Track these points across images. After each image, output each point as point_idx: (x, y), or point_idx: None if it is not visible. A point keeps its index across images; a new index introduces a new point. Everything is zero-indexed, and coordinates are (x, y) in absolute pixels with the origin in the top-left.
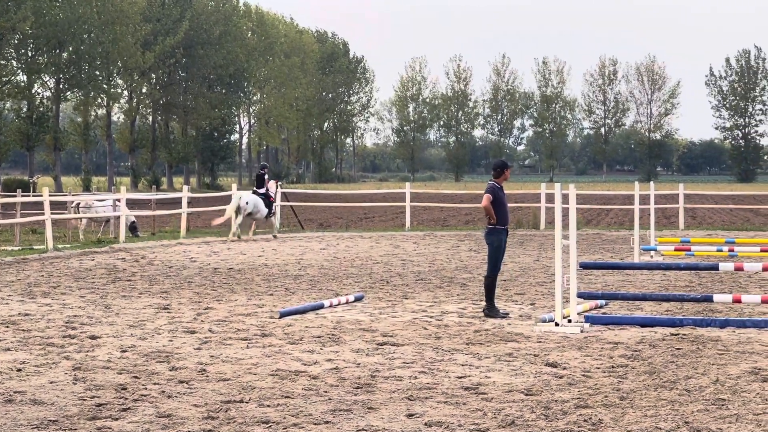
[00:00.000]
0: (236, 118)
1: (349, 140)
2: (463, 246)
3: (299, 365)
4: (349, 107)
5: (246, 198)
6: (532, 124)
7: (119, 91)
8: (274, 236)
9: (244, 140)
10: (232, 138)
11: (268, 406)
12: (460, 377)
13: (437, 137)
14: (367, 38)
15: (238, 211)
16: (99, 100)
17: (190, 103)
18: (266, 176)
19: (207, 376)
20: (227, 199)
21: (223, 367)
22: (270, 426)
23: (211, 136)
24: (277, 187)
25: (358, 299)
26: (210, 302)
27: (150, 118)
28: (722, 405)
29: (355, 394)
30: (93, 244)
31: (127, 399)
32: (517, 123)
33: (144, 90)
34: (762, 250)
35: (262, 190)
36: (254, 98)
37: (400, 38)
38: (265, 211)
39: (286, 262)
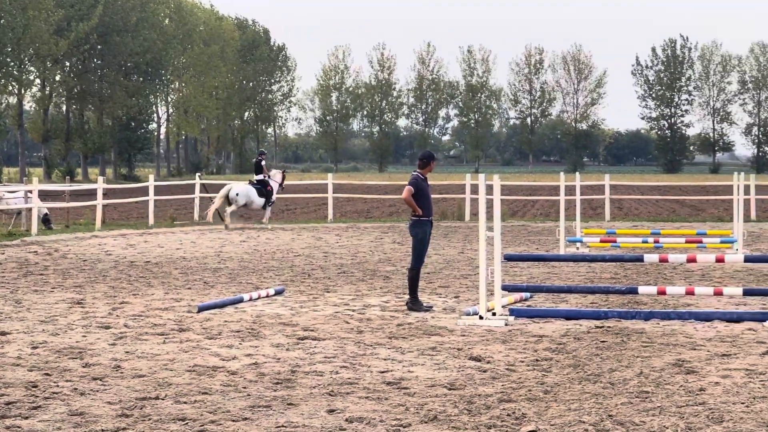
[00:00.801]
0: (154, 108)
1: (270, 130)
2: (387, 238)
3: (217, 360)
4: (270, 96)
5: (237, 189)
6: (458, 113)
7: (31, 78)
8: (267, 227)
9: (162, 130)
10: (150, 128)
11: (185, 402)
12: (383, 372)
13: (361, 127)
14: (288, 26)
15: (229, 201)
16: (10, 88)
17: (106, 91)
18: (263, 163)
19: (122, 373)
20: (145, 191)
21: (138, 363)
22: (186, 423)
23: (128, 125)
24: (283, 177)
25: (278, 293)
26: (126, 296)
27: (64, 107)
28: (646, 398)
29: (275, 390)
30: (4, 237)
31: (37, 397)
32: (442, 113)
33: (57, 78)
34: (687, 242)
35: (259, 177)
36: (172, 87)
37: (322, 26)
38: (259, 201)
39: (205, 255)
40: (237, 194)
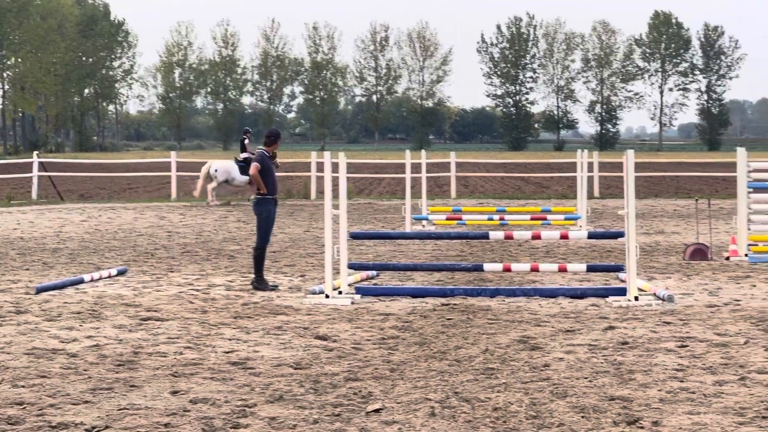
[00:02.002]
0: None
1: (111, 107)
2: (231, 217)
3: (57, 343)
4: (111, 73)
5: (215, 165)
6: (303, 91)
7: None
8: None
9: None
10: None
11: (23, 386)
12: (228, 352)
13: (204, 104)
14: (129, 1)
15: (210, 178)
16: None
17: None
18: (246, 141)
19: None
20: None
21: None
22: (24, 408)
23: None
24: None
25: (120, 273)
26: None
27: None
28: (491, 374)
29: (117, 372)
30: None
31: None
32: (287, 90)
33: None
34: (532, 219)
35: (244, 155)
36: (8, 63)
37: (164, 2)
38: (241, 178)
39: (44, 235)
40: (215, 170)
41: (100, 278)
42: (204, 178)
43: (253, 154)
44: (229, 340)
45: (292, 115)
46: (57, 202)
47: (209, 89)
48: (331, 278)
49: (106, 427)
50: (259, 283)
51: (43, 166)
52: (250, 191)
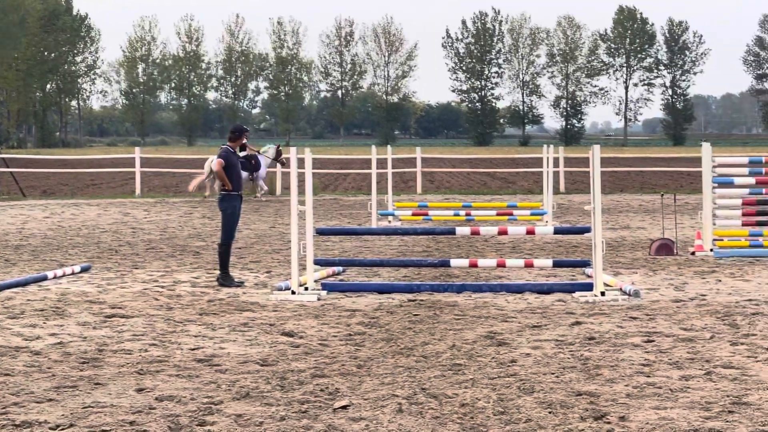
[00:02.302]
0: None
1: (74, 103)
2: (197, 213)
3: (20, 341)
4: (73, 68)
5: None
6: (268, 86)
7: None
8: (261, 199)
9: None
10: None
11: None
12: (193, 349)
13: (168, 100)
14: None
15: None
16: None
17: None
18: (245, 140)
19: None
20: None
21: None
22: None
23: None
24: (278, 153)
25: (84, 270)
26: None
27: None
28: (458, 370)
29: (81, 370)
30: None
31: None
32: (252, 85)
33: None
34: (498, 214)
35: (244, 153)
36: None
37: None
38: (244, 175)
39: (6, 231)
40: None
41: (64, 275)
42: (207, 174)
43: (254, 150)
44: (195, 336)
45: (256, 111)
46: (19, 198)
47: (173, 85)
48: (297, 274)
49: (71, 426)
50: (225, 280)
51: (4, 162)
52: (253, 189)
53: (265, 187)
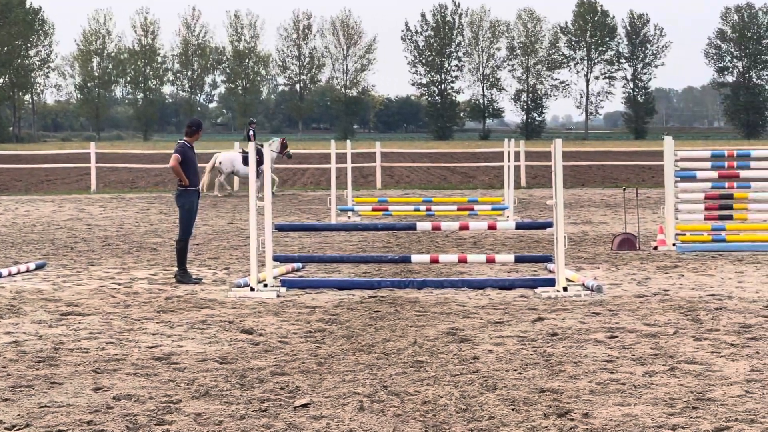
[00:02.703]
0: None
1: (28, 97)
2: (153, 209)
3: None
4: (27, 62)
5: (220, 158)
6: (225, 80)
7: None
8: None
9: None
10: None
11: None
12: (151, 347)
13: (124, 94)
14: None
15: (218, 171)
16: None
17: None
18: (251, 132)
19: None
20: None
21: None
22: None
23: None
24: (282, 146)
25: (39, 267)
26: None
27: None
28: (420, 367)
29: (37, 369)
30: None
31: None
32: (209, 79)
33: None
34: (459, 209)
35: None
36: None
37: None
38: (245, 169)
39: None
40: (220, 162)
41: (18, 272)
42: (210, 170)
43: (261, 144)
44: (153, 334)
45: (213, 105)
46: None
47: (128, 78)
48: (256, 271)
49: (27, 426)
50: (183, 276)
51: None
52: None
53: (276, 179)
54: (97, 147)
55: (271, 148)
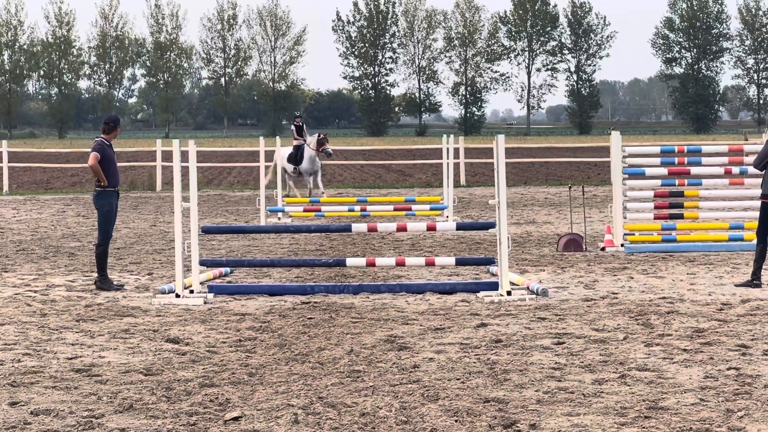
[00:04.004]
0: None
1: None
2: (70, 211)
3: None
4: None
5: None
6: (145, 74)
7: None
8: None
9: None
10: None
11: None
12: (71, 358)
13: (37, 89)
14: None
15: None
16: None
17: None
18: (293, 127)
19: None
20: None
21: None
22: None
23: None
24: (319, 143)
25: None
26: None
27: None
28: (357, 377)
29: None
30: None
31: None
32: (128, 73)
33: None
34: (395, 209)
35: (297, 142)
36: None
37: None
38: (289, 167)
39: None
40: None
41: None
42: (273, 170)
43: (304, 141)
44: (72, 345)
45: (133, 100)
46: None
47: (42, 72)
48: (181, 276)
49: None
50: (103, 283)
51: None
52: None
53: (320, 184)
54: (9, 145)
55: (309, 145)
